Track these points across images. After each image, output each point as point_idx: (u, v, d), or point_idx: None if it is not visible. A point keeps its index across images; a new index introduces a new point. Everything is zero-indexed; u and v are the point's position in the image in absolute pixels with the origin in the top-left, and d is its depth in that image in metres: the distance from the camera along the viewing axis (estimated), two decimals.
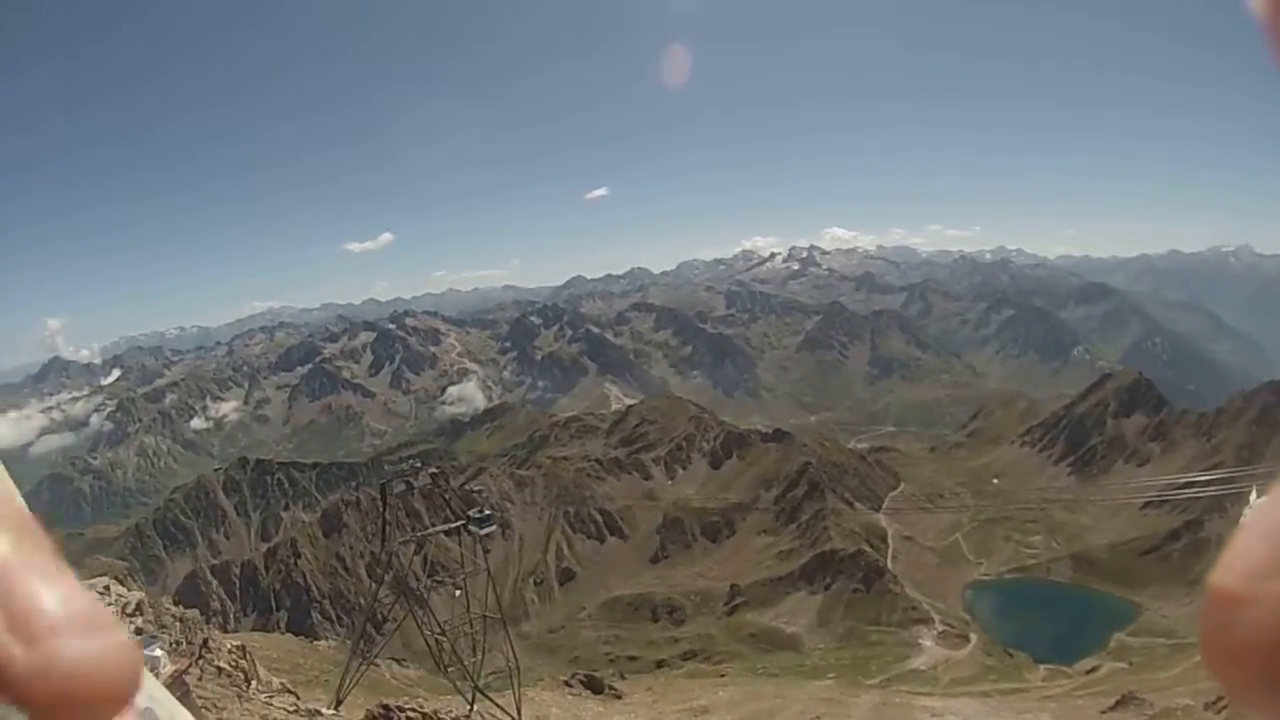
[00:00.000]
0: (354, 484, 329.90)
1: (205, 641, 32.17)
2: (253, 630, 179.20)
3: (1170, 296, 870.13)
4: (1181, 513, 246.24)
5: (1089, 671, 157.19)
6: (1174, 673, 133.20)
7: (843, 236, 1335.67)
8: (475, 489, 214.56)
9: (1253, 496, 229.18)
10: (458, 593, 73.51)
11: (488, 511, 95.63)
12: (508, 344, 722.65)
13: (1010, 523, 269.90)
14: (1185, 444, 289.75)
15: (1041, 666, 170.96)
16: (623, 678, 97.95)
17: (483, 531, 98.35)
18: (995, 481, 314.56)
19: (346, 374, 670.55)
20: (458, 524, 73.35)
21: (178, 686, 15.08)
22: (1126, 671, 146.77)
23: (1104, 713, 63.44)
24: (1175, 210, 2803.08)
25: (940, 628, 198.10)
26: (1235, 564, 1.64)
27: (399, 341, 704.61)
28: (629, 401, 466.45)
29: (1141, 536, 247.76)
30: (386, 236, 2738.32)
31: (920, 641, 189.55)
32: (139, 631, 24.64)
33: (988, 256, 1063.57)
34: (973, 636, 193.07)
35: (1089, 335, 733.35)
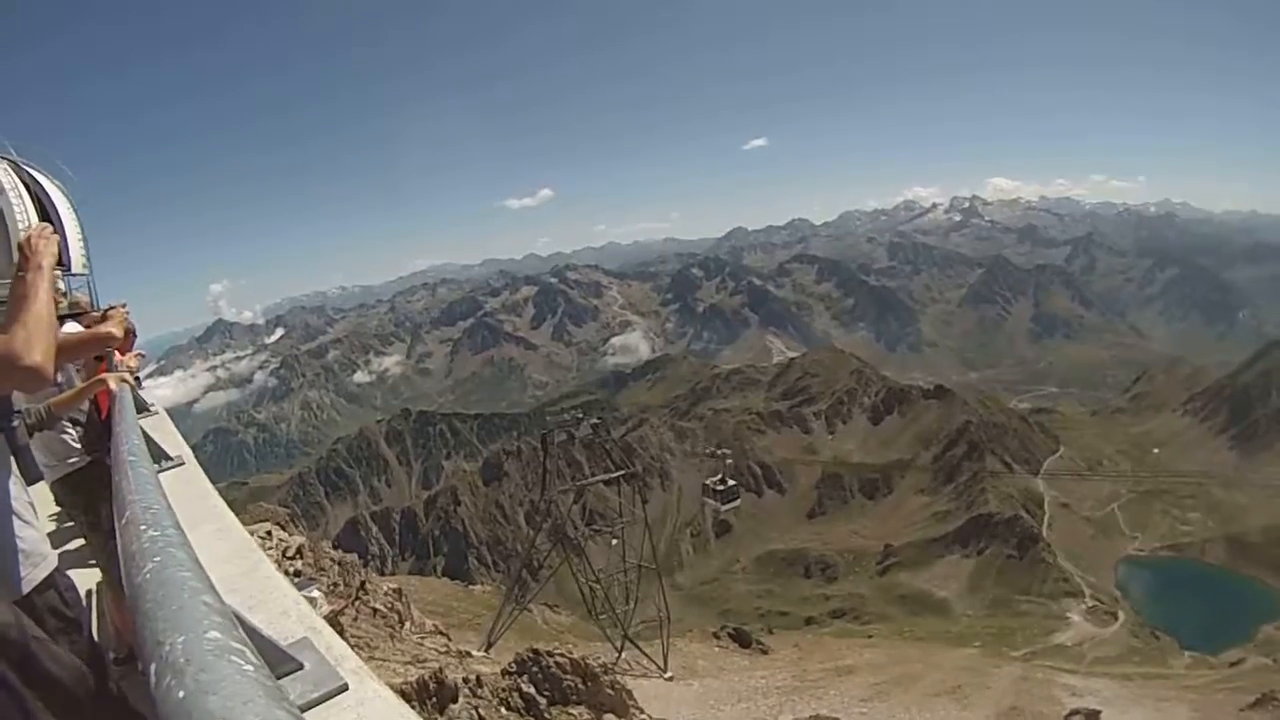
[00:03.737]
0: (515, 434, 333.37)
1: (362, 584, 33.59)
2: (410, 574, 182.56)
3: None
4: None
5: (1233, 664, 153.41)
6: None
7: (1005, 186, 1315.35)
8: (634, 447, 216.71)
9: None
10: (614, 542, 74.87)
11: (731, 482, 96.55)
12: (669, 296, 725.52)
13: (1168, 496, 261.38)
14: None
15: (1186, 654, 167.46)
16: (771, 633, 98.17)
17: (726, 507, 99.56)
18: (1155, 451, 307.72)
19: (508, 327, 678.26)
20: (618, 474, 74.26)
21: (332, 626, 16.28)
22: (1270, 668, 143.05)
23: (1242, 710, 62.56)
24: None
25: (1090, 602, 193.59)
26: None
27: (560, 295, 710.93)
28: (791, 354, 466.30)
29: None
30: (546, 193, 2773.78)
31: (1068, 615, 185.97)
32: (299, 574, 26.13)
33: (1153, 209, 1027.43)
34: (1121, 615, 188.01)
35: (1256, 298, 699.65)
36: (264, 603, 5.89)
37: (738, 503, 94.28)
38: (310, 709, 3.82)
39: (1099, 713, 45.05)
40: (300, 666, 4.06)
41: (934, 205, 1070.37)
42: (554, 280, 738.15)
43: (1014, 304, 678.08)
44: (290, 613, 5.68)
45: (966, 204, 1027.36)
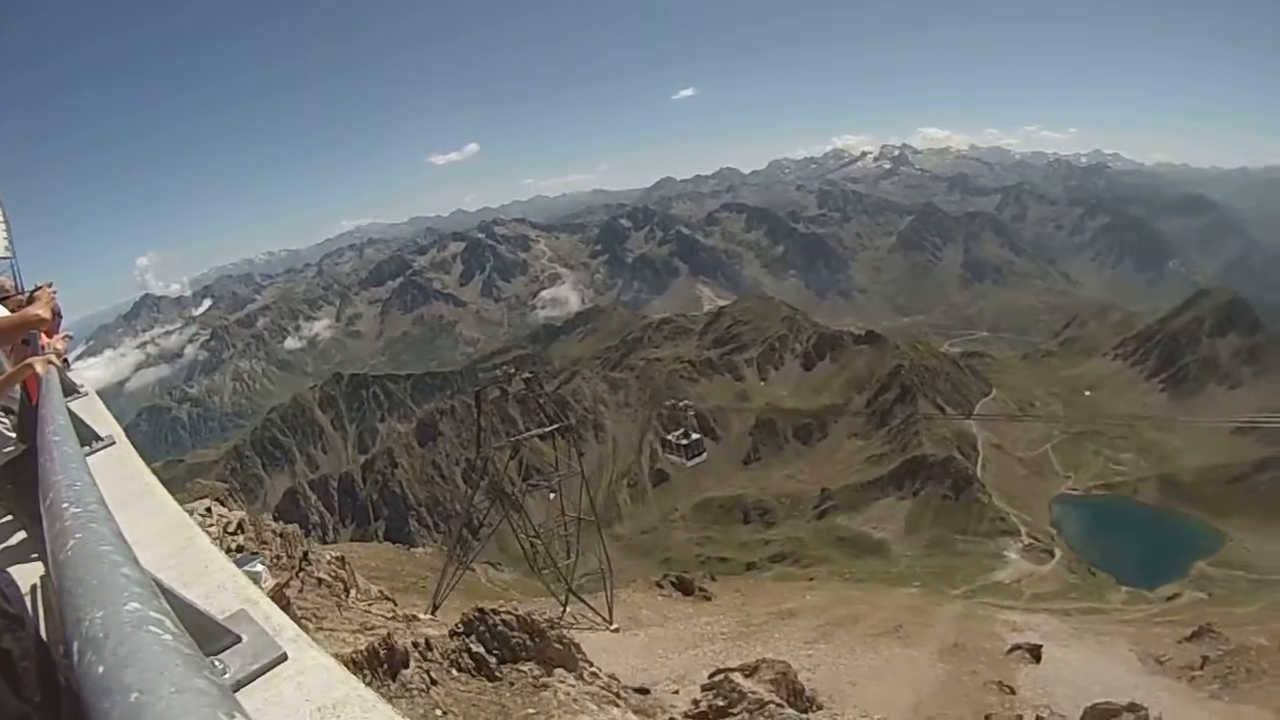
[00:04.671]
0: (448, 393, 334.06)
1: (305, 554, 33.37)
2: (351, 541, 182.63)
3: (1272, 213, 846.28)
4: (1271, 443, 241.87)
5: (1169, 599, 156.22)
6: (1252, 609, 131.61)
7: (936, 136, 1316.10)
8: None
9: None
10: (552, 496, 74.36)
11: (695, 436, 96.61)
12: (598, 247, 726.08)
13: (1100, 438, 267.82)
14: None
15: (1123, 589, 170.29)
16: (713, 579, 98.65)
17: (691, 462, 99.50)
18: (1087, 394, 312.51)
19: (437, 285, 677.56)
20: (552, 428, 74.05)
21: (279, 599, 16.27)
22: (1206, 602, 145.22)
23: (1179, 643, 63.50)
24: (1274, 125, 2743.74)
25: (1026, 541, 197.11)
26: None
27: (488, 250, 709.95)
28: (721, 302, 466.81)
29: (1230, 463, 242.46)
30: (472, 148, 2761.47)
31: (1006, 553, 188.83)
32: (240, 549, 25.99)
33: (1083, 160, 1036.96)
34: (1057, 552, 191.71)
35: (1185, 248, 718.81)
36: (200, 578, 5.69)
37: (703, 457, 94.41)
38: (251, 680, 3.85)
39: (1040, 647, 45.85)
40: (238, 639, 4.05)
41: (864, 154, 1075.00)
42: (481, 236, 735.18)
43: (944, 250, 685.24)
44: (226, 586, 5.34)
45: (897, 152, 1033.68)
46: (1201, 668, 50.08)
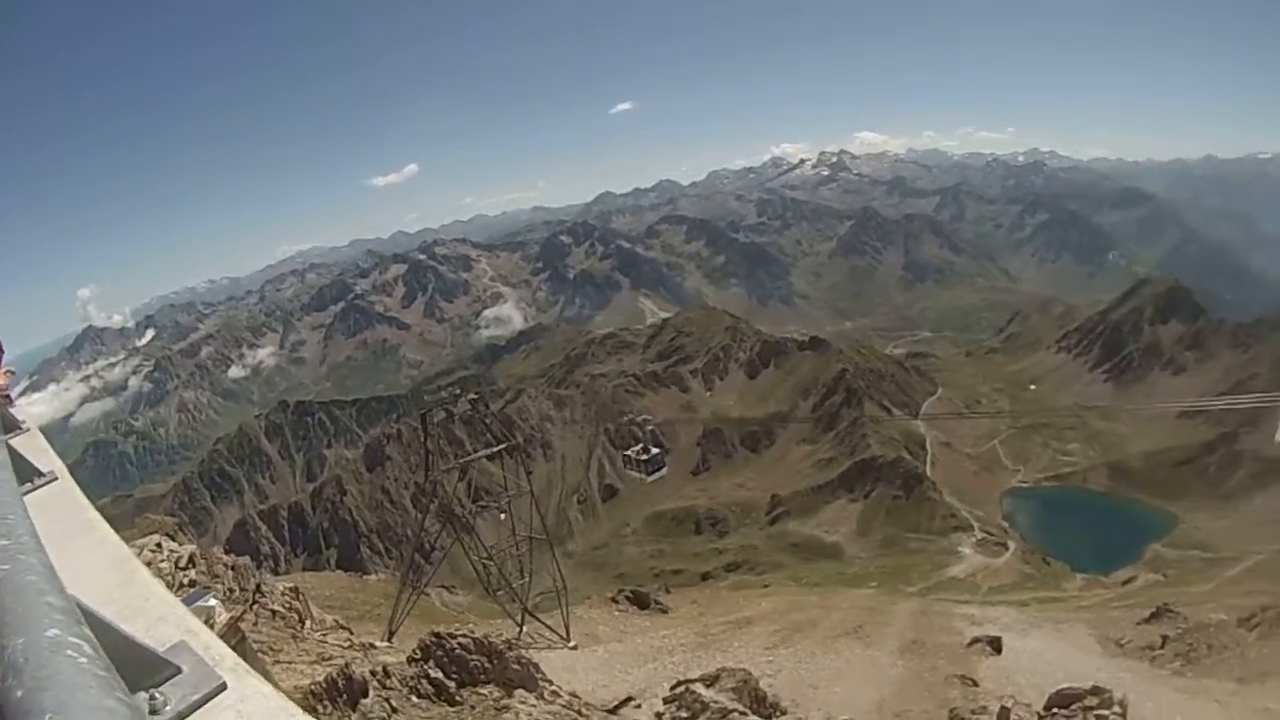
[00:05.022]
0: (394, 417, 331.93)
1: (258, 587, 33.20)
2: (304, 570, 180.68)
3: (1207, 203, 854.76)
4: (1217, 424, 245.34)
5: (1125, 583, 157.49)
6: (1208, 587, 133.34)
7: (873, 140, 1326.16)
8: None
9: None
10: (503, 516, 73.97)
11: (655, 450, 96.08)
12: (539, 264, 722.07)
13: (1048, 430, 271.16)
14: (1221, 354, 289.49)
15: (1079, 576, 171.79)
16: (668, 592, 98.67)
17: (651, 477, 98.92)
18: (1032, 388, 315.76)
19: (380, 308, 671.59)
20: (500, 448, 73.61)
21: (233, 634, 16.05)
22: (1161, 584, 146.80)
23: (1138, 624, 64.01)
24: (1210, 116, 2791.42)
25: (979, 535, 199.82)
26: None
27: (430, 271, 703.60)
28: (664, 315, 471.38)
29: (1177, 447, 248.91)
30: (411, 168, 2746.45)
31: (959, 549, 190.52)
32: (193, 584, 25.75)
33: (1020, 159, 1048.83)
34: (1011, 544, 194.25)
35: (1124, 240, 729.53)
36: (141, 611, 5.48)
37: (663, 471, 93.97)
38: (192, 711, 3.86)
39: (999, 638, 45.96)
40: (179, 670, 4.06)
41: (802, 161, 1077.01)
42: (423, 257, 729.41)
43: (884, 253, 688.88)
44: (167, 618, 5.30)
45: (834, 159, 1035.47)
46: (1162, 647, 50.54)
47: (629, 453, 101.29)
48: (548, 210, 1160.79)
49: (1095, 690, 25.70)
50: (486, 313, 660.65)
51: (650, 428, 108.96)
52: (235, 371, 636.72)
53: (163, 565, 24.93)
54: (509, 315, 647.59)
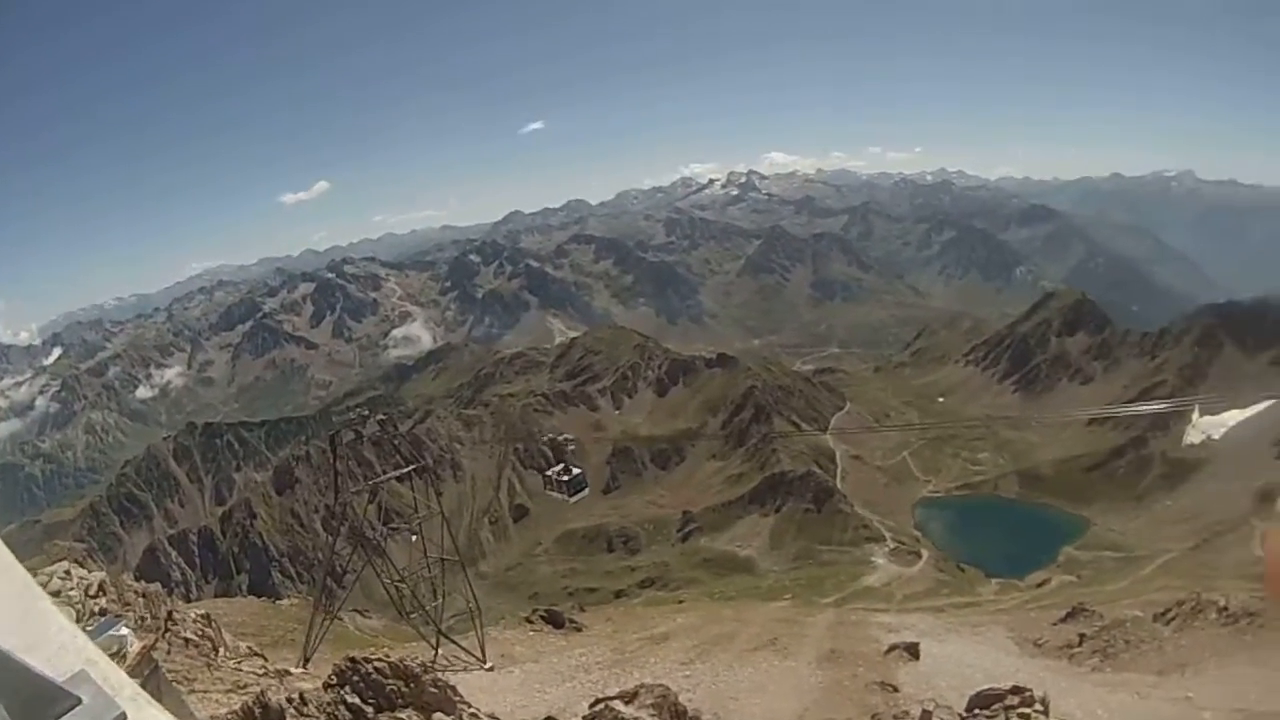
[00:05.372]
0: (303, 438, 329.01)
1: (169, 614, 32.77)
2: (215, 597, 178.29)
3: (1113, 219, 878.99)
4: (1126, 429, 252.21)
5: (1039, 585, 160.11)
6: (1122, 585, 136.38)
7: (782, 161, 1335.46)
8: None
9: (1195, 416, 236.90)
10: (414, 538, 73.41)
11: (577, 470, 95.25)
12: (448, 284, 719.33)
13: (957, 440, 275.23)
14: (1128, 363, 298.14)
15: (993, 580, 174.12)
16: (582, 610, 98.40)
17: (574, 499, 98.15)
18: (941, 400, 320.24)
19: (288, 327, 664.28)
20: (409, 469, 72.83)
21: (146, 663, 15.95)
22: (1076, 584, 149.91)
23: (1055, 624, 64.90)
24: (1116, 136, 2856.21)
25: (892, 545, 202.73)
26: None
27: (339, 290, 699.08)
28: (572, 334, 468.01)
29: (1087, 453, 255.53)
30: (322, 185, 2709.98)
31: (873, 559, 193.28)
32: (104, 612, 25.40)
33: (929, 178, 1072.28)
34: (924, 553, 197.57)
35: (1031, 256, 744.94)
36: (42, 642, 5.43)
37: (585, 492, 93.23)
38: None
39: (917, 644, 46.16)
40: (79, 701, 4.04)
41: (711, 181, 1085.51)
42: (331, 276, 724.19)
43: (792, 271, 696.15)
44: (68, 648, 5.25)
45: (743, 178, 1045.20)
46: (1080, 645, 51.35)
47: (549, 473, 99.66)
48: (457, 229, 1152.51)
49: (1016, 690, 25.93)
50: (395, 332, 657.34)
51: (571, 447, 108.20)
52: (143, 392, 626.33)
53: (72, 594, 24.63)
54: (417, 335, 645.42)
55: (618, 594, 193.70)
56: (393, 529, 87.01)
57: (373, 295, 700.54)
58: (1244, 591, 62.37)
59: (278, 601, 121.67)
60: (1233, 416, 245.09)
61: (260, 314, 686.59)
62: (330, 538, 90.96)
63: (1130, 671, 42.54)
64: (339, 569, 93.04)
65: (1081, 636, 53.32)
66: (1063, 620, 64.88)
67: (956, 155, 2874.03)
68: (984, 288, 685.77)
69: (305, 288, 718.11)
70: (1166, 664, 42.76)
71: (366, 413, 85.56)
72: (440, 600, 69.87)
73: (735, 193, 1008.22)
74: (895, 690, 37.12)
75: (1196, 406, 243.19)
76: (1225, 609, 50.23)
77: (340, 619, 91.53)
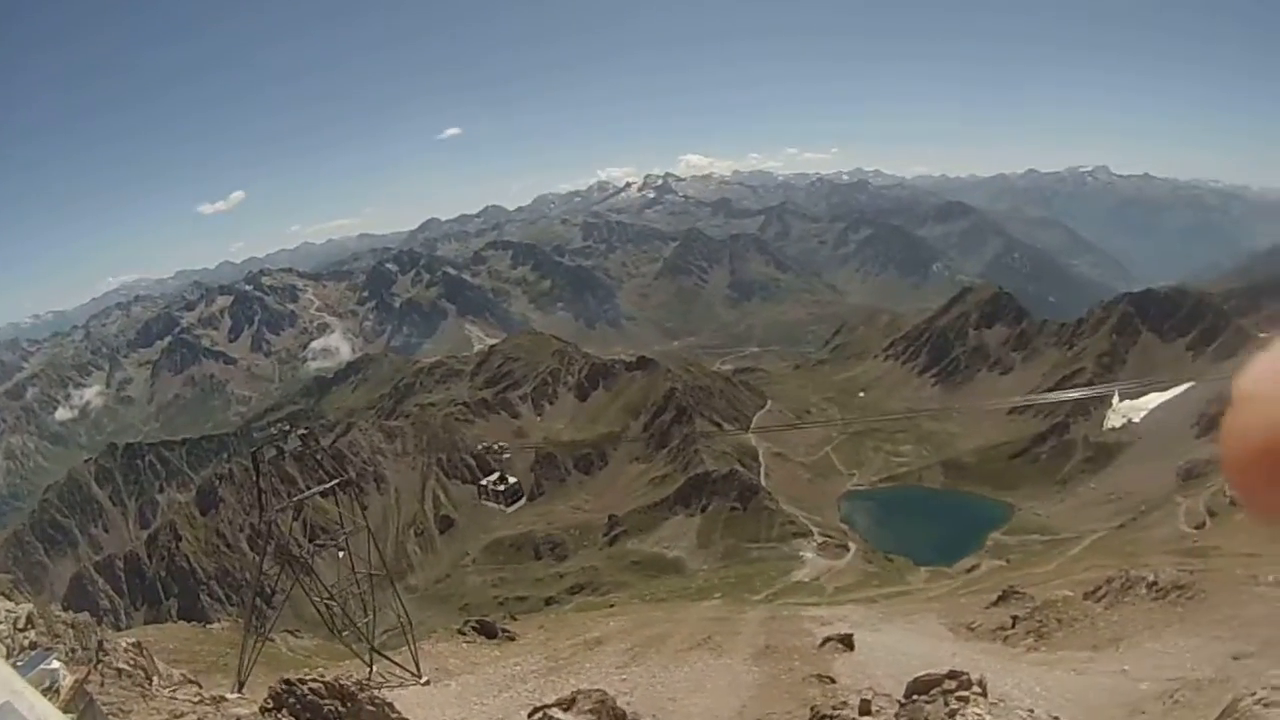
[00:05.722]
0: (225, 456, 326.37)
1: (100, 644, 32.48)
2: (145, 624, 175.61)
3: (1029, 214, 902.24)
4: (1047, 417, 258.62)
5: (969, 571, 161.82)
6: (1051, 567, 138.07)
7: (698, 163, 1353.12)
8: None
9: (1115, 400, 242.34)
10: (341, 554, 72.90)
11: (513, 480, 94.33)
12: (366, 294, 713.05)
13: (879, 434, 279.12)
14: (1047, 352, 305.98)
15: (922, 569, 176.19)
16: (514, 619, 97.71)
17: (511, 508, 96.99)
18: (861, 395, 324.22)
19: (206, 342, 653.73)
20: (333, 484, 72.33)
21: (81, 697, 15.96)
22: (1005, 569, 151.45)
23: (987, 608, 65.80)
24: (1032, 132, 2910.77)
25: (819, 539, 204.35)
26: (1257, 370, 1.69)
27: (256, 302, 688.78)
28: (491, 341, 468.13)
29: (1009, 441, 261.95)
30: (238, 194, 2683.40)
31: (801, 554, 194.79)
32: (34, 645, 25.19)
33: (845, 178, 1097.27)
34: (852, 545, 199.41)
35: (948, 251, 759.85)
36: None
37: (522, 501, 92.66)
38: None
39: (851, 635, 46.60)
40: None
41: (628, 184, 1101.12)
42: (249, 288, 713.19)
43: (710, 273, 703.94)
44: None
45: (660, 181, 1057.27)
46: (1013, 626, 52.46)
47: (484, 482, 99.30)
48: (374, 237, 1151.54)
49: (953, 674, 26.19)
50: (314, 344, 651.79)
51: (506, 455, 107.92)
52: (62, 413, 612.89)
53: (1, 627, 24.44)
54: (336, 346, 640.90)
55: (548, 601, 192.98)
56: (319, 545, 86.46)
57: (290, 307, 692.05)
58: (1172, 566, 63.99)
59: (208, 626, 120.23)
60: (1152, 400, 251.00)
61: (178, 329, 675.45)
62: (257, 557, 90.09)
63: (1065, 649, 43.53)
64: (268, 589, 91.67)
65: (1014, 619, 54.50)
66: (994, 604, 66.00)
67: (873, 155, 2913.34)
68: (901, 284, 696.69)
69: (223, 301, 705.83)
70: (1100, 640, 43.76)
71: (288, 428, 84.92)
72: (371, 616, 69.16)
73: (652, 195, 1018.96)
74: (832, 682, 37.48)
75: (1116, 391, 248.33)
76: (1155, 584, 51.82)
77: (272, 640, 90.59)
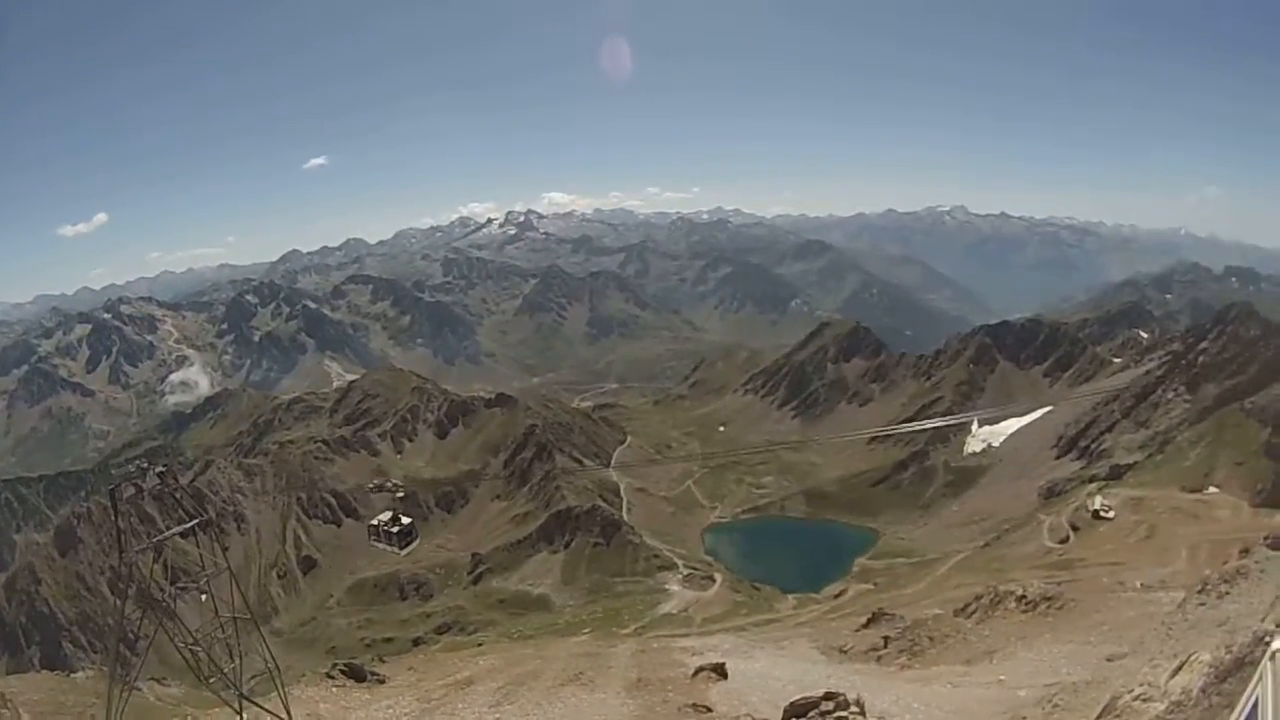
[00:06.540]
0: (83, 494, 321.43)
1: None
2: (8, 674, 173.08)
3: (887, 251, 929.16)
4: (907, 444, 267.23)
5: (837, 595, 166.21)
6: (919, 587, 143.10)
7: (560, 200, 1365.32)
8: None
9: (974, 426, 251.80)
10: (204, 597, 72.43)
11: (407, 520, 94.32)
12: (225, 326, 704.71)
13: (740, 467, 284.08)
14: (905, 384, 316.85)
15: (790, 596, 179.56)
16: (382, 661, 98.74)
17: (405, 551, 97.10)
18: (722, 429, 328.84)
19: (64, 373, 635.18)
20: (192, 524, 71.42)
21: None
22: (873, 591, 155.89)
23: (858, 630, 68.71)
24: (892, 174, 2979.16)
25: (685, 571, 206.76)
26: None
27: (115, 332, 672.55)
28: (350, 377, 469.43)
29: (871, 469, 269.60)
30: (101, 217, 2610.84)
31: (667, 587, 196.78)
32: None
33: (705, 217, 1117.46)
34: (718, 576, 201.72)
35: (807, 288, 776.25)
36: None
37: (416, 543, 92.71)
38: None
39: (723, 664, 47.13)
40: None
41: (490, 220, 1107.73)
42: (108, 316, 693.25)
43: (569, 310, 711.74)
44: None
45: (522, 218, 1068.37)
46: (885, 646, 55.47)
47: (376, 522, 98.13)
48: (234, 268, 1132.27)
49: (829, 695, 28.47)
50: (172, 377, 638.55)
51: (401, 494, 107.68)
52: None
53: None
54: (195, 380, 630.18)
55: (416, 641, 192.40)
56: (181, 588, 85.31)
57: (149, 338, 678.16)
58: (1040, 579, 68.40)
59: (72, 674, 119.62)
60: (1011, 425, 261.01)
61: (35, 358, 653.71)
62: (119, 601, 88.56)
63: (939, 665, 46.32)
64: (131, 635, 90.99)
65: (886, 639, 57.19)
66: (865, 626, 69.23)
67: (734, 194, 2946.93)
68: (760, 320, 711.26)
69: (81, 329, 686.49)
70: (973, 654, 46.92)
71: (146, 465, 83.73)
72: (238, 662, 68.37)
73: (513, 232, 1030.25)
74: (708, 710, 38.94)
75: (975, 418, 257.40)
76: (1024, 597, 55.11)
77: (139, 689, 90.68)
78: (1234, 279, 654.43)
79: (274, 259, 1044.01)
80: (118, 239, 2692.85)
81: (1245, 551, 36.56)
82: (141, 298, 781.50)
